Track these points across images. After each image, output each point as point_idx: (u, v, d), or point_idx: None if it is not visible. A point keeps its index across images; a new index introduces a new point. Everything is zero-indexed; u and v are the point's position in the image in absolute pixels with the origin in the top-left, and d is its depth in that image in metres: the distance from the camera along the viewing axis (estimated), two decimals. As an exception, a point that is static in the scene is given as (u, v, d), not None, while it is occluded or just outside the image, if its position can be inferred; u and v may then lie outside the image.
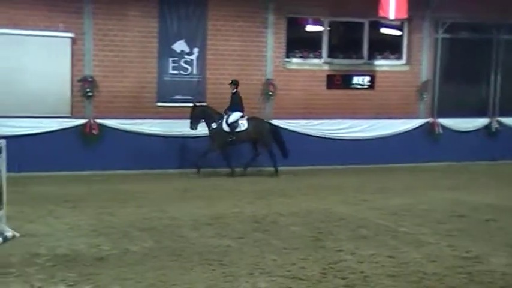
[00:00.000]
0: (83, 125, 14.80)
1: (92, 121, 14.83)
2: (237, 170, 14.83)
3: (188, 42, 15.75)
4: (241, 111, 14.80)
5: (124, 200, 11.59)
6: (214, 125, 14.55)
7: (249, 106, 16.15)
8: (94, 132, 14.80)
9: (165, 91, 15.61)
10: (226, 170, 14.84)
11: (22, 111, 14.27)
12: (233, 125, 14.61)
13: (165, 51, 15.59)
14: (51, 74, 14.48)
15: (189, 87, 15.81)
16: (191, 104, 14.65)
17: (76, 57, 14.83)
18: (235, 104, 14.80)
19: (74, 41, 14.75)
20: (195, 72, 15.88)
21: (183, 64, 15.77)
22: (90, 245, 8.28)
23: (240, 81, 16.12)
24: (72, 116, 14.83)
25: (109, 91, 15.12)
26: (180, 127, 15.22)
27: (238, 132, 14.65)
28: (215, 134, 14.60)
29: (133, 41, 15.30)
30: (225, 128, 14.60)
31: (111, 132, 14.91)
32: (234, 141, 14.69)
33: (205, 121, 14.61)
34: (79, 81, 14.89)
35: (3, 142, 8.63)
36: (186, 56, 15.78)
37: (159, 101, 15.57)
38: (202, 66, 15.93)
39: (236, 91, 14.84)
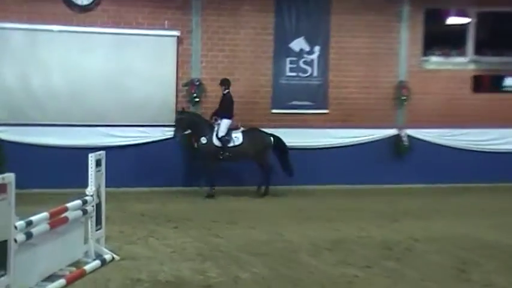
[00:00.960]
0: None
1: (198, 130, 15.13)
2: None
3: (308, 40, 15.79)
4: (230, 117, 14.28)
5: (232, 219, 11.73)
6: (204, 140, 14.12)
7: (378, 113, 15.97)
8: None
9: (281, 96, 15.69)
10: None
11: (124, 119, 14.78)
12: (225, 139, 14.14)
13: (282, 50, 15.70)
14: (154, 78, 14.88)
15: (308, 92, 15.82)
16: (179, 109, 14.38)
17: (182, 58, 15.21)
18: (224, 107, 14.30)
19: (180, 40, 15.14)
20: (315, 74, 15.88)
21: (302, 65, 15.82)
22: (195, 271, 8.41)
23: (368, 85, 15.97)
24: (177, 124, 15.19)
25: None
26: (299, 137, 15.26)
27: (233, 147, 14.18)
28: (204, 150, 14.13)
29: (246, 39, 15.52)
30: (216, 142, 14.14)
31: (220, 142, 15.13)
32: (226, 158, 14.18)
33: (192, 132, 14.23)
34: (185, 85, 15.24)
35: (102, 154, 8.96)
36: (305, 56, 15.82)
37: (274, 108, 15.68)
38: (324, 67, 15.90)
39: (228, 92, 14.36)
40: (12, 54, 14.26)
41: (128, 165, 14.30)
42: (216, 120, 14.31)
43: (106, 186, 9.09)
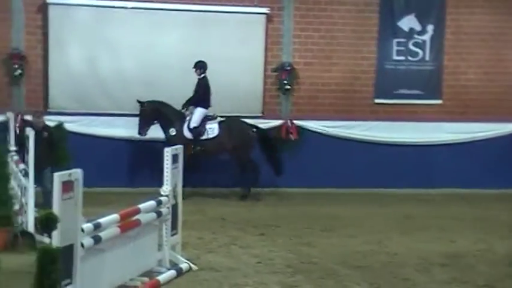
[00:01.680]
0: (278, 128, 15.20)
1: (289, 123, 15.18)
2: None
3: (420, 18, 15.59)
4: (206, 106, 14.10)
5: (328, 227, 11.72)
6: (172, 131, 13.97)
7: (504, 104, 15.67)
8: (291, 137, 15.11)
9: (386, 84, 15.56)
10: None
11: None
12: (197, 131, 13.96)
13: (388, 29, 15.56)
14: (238, 62, 14.92)
15: (419, 79, 15.63)
16: (139, 101, 14.02)
17: (271, 39, 15.26)
18: (200, 94, 14.09)
19: (269, 18, 15.20)
20: (427, 57, 15.68)
21: (411, 47, 15.64)
22: (284, 285, 8.46)
23: (491, 70, 15.67)
24: (265, 115, 15.29)
25: (312, 83, 15.38)
26: (407, 132, 15.14)
27: (206, 140, 13.98)
28: (173, 144, 13.95)
29: (346, 17, 15.44)
30: (187, 134, 13.96)
31: (313, 137, 15.13)
32: (199, 153, 13.91)
33: (160, 124, 14.11)
34: (274, 70, 15.30)
35: (180, 148, 9.11)
36: (416, 36, 15.64)
37: (377, 97, 15.56)
38: (439, 49, 15.68)
39: (204, 77, 14.13)
40: (78, 34, 14.59)
41: (207, 162, 14.42)
42: (187, 109, 14.14)
43: (183, 186, 9.22)
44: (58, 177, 6.49)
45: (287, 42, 15.32)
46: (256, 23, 15.15)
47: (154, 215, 8.65)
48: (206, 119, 14.08)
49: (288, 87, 15.25)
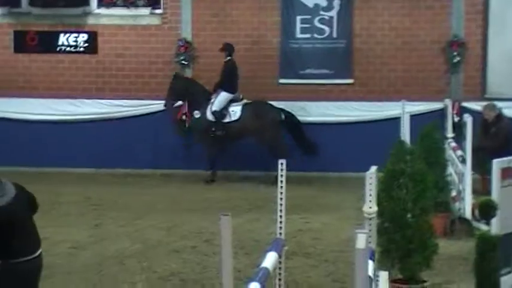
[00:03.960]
0: None
1: None
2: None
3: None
4: (231, 90, 13.55)
5: None
6: (197, 114, 13.62)
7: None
8: None
9: None
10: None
11: None
12: (219, 114, 13.49)
13: None
14: None
15: None
16: (174, 73, 13.99)
17: None
18: (224, 77, 13.71)
19: None
20: None
21: None
22: None
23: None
24: None
25: None
26: None
27: (227, 123, 13.54)
28: (196, 127, 13.80)
29: None
30: (209, 116, 13.61)
31: None
32: (220, 138, 13.53)
33: (187, 103, 13.80)
34: None
35: None
36: None
37: None
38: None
39: (229, 59, 13.75)
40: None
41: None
42: (216, 93, 13.85)
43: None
44: (497, 163, 6.43)
45: None
46: None
47: None
48: (230, 102, 13.74)
49: None
